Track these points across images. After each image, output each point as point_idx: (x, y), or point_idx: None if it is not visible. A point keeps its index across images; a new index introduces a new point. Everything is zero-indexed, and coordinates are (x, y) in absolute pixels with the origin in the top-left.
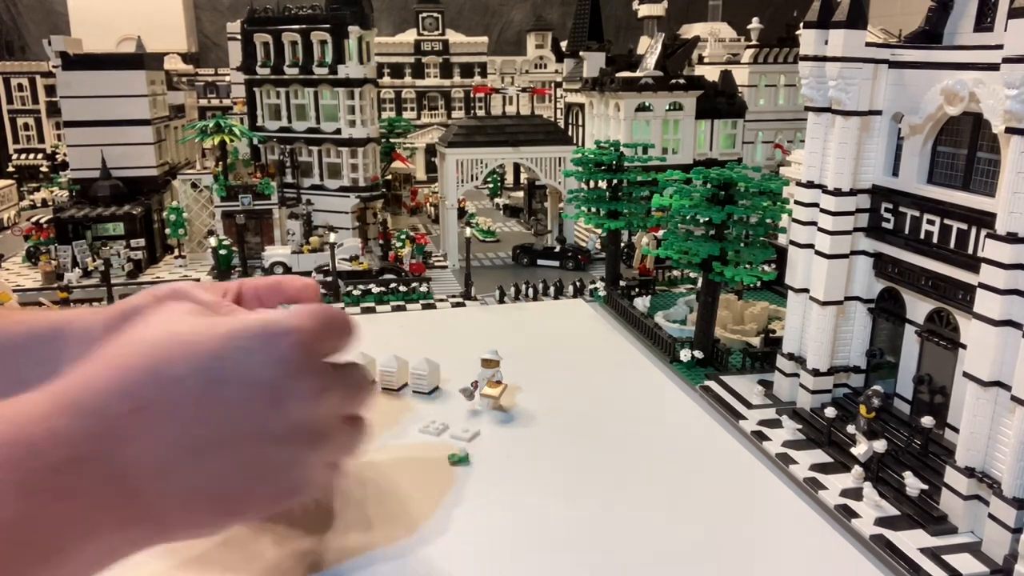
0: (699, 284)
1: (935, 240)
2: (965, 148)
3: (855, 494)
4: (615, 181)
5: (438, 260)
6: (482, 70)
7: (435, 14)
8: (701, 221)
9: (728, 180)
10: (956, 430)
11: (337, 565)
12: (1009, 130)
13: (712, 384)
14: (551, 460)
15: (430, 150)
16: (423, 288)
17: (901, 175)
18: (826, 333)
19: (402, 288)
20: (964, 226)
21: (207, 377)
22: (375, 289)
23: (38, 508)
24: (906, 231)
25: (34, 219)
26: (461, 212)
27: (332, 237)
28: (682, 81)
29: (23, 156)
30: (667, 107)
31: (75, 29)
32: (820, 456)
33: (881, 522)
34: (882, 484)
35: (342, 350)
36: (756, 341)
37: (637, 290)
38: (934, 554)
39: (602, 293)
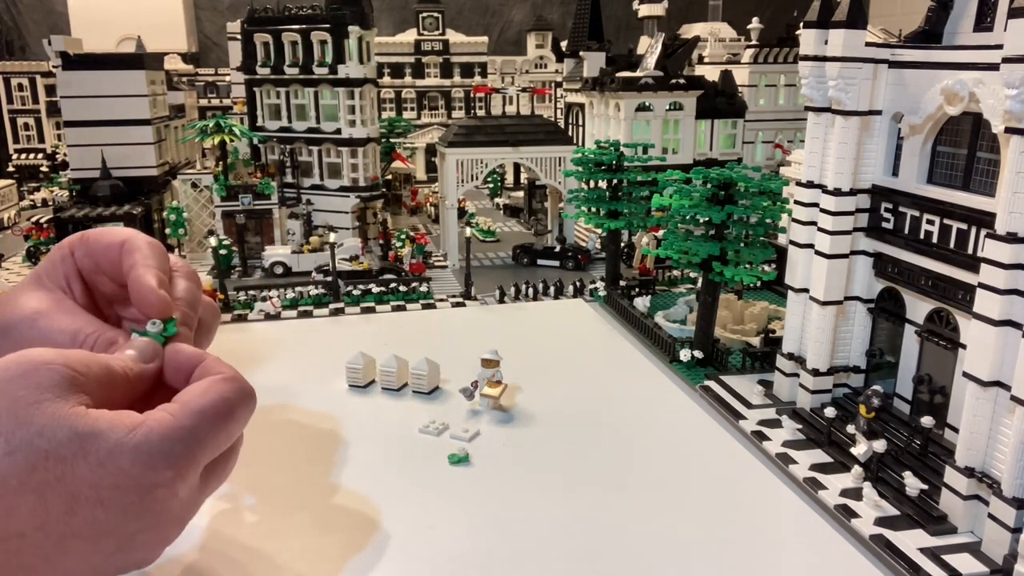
0: (699, 284)
1: (935, 240)
2: (965, 148)
3: (855, 494)
4: (615, 181)
5: (438, 260)
6: (482, 70)
7: (435, 14)
8: (701, 221)
9: (728, 180)
10: (956, 430)
11: (341, 564)
12: (1009, 130)
13: (712, 384)
14: (551, 460)
15: (430, 150)
16: (423, 288)
17: (901, 175)
18: (826, 333)
19: (402, 288)
20: (964, 226)
21: None
22: (375, 289)
23: None
24: (906, 231)
25: (34, 219)
26: (461, 212)
27: (332, 237)
28: (682, 81)
29: (23, 156)
30: (667, 107)
31: (75, 29)
32: (820, 456)
33: (881, 522)
34: (882, 484)
35: None
36: (756, 341)
37: (637, 290)
38: (934, 554)
39: (602, 293)
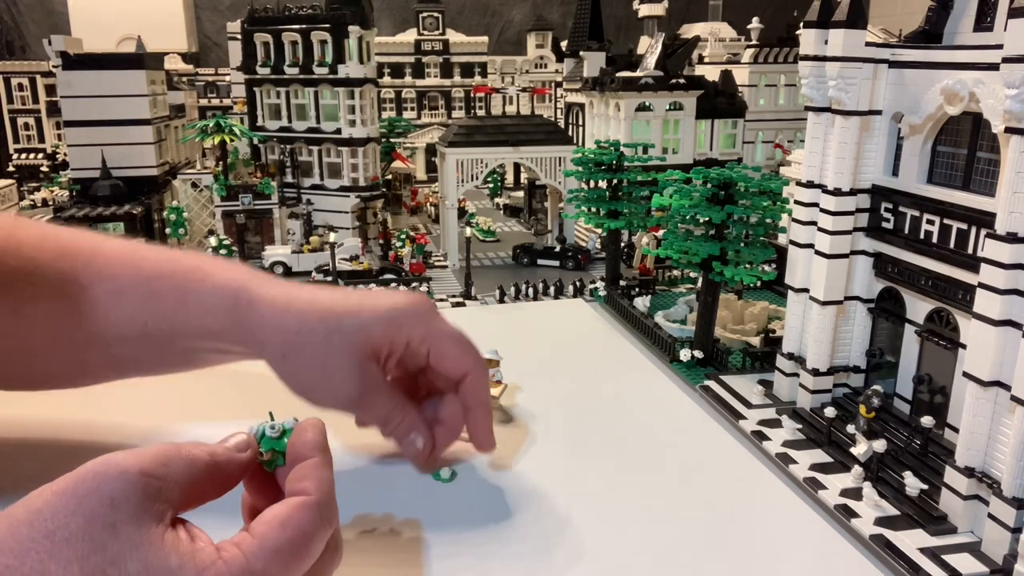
0: (699, 284)
1: (935, 240)
2: (965, 148)
3: (855, 494)
4: (615, 181)
5: (438, 260)
6: (482, 70)
7: (435, 14)
8: (701, 221)
9: (728, 180)
10: (956, 430)
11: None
12: (1009, 130)
13: (712, 384)
14: (550, 459)
15: (430, 150)
16: (423, 288)
17: (901, 175)
18: (826, 333)
19: (402, 288)
20: (964, 226)
21: None
22: (375, 289)
23: None
24: (906, 231)
25: (34, 219)
26: (461, 212)
27: (332, 237)
28: (682, 81)
29: (23, 156)
30: (667, 107)
31: (75, 29)
32: (820, 456)
33: (881, 522)
34: (882, 484)
35: None
36: (756, 341)
37: (637, 290)
38: (934, 554)
39: (602, 293)
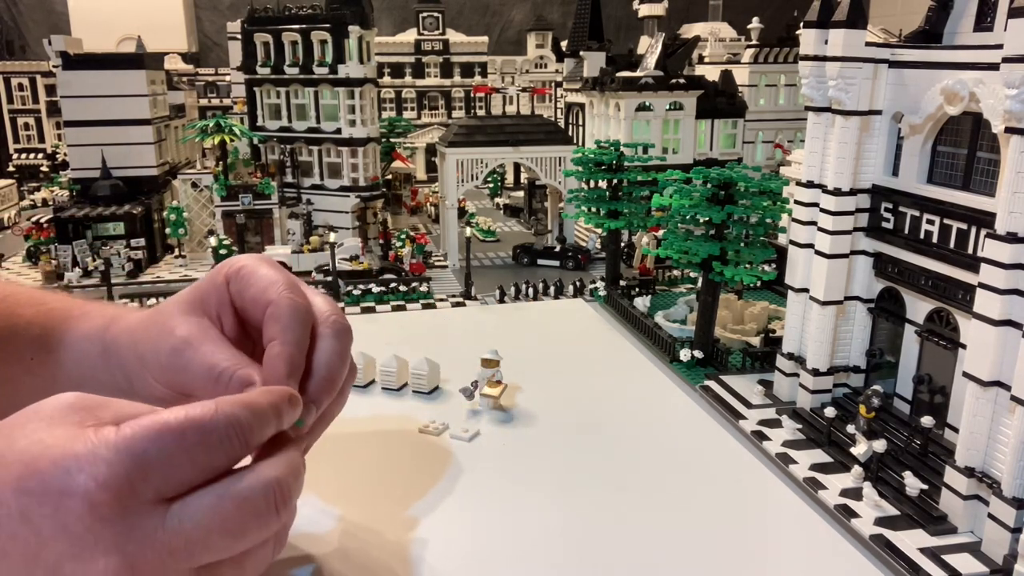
0: (699, 284)
1: (935, 240)
2: (965, 148)
3: (855, 494)
4: (615, 181)
5: (438, 260)
6: (482, 70)
7: (435, 14)
8: (701, 221)
9: (728, 180)
10: (956, 430)
11: (337, 565)
12: (1009, 130)
13: (712, 384)
14: (551, 459)
15: (430, 150)
16: (423, 288)
17: (901, 175)
18: (826, 333)
19: (402, 288)
20: (964, 226)
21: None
22: (375, 289)
23: None
24: (906, 231)
25: (34, 219)
26: (461, 212)
27: (332, 237)
28: (682, 81)
29: (23, 156)
30: (667, 107)
31: (75, 29)
32: (820, 456)
33: (881, 522)
34: (882, 484)
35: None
36: (756, 341)
37: (637, 290)
38: (934, 554)
39: (602, 293)
